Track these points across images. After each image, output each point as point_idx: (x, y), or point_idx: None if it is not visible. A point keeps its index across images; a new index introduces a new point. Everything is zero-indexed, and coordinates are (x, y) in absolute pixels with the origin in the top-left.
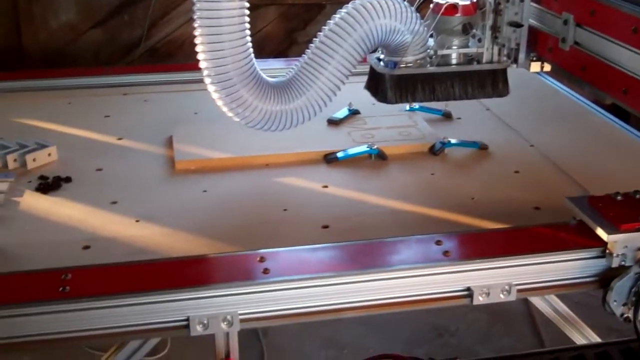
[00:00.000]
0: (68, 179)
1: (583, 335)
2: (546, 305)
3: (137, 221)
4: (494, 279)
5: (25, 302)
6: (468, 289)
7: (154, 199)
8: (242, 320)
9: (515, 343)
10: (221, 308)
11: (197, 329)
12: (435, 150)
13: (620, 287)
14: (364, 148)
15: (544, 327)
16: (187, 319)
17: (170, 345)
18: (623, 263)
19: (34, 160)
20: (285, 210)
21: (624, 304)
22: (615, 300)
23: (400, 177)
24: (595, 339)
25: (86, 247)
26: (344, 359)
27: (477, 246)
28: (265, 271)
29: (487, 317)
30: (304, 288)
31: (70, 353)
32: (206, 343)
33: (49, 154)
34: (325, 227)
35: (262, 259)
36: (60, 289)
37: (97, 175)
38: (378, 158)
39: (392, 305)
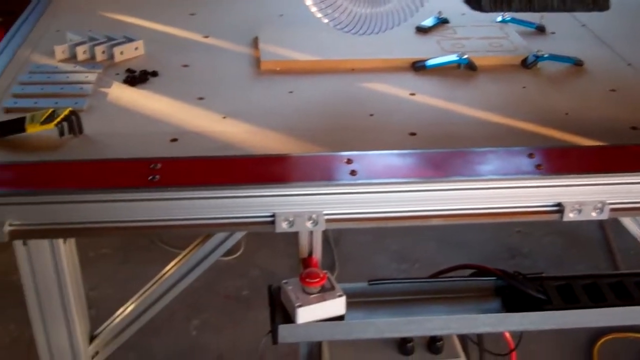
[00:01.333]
0: (155, 73)
1: None
2: (637, 228)
3: (223, 118)
4: (587, 195)
5: (115, 187)
6: (559, 204)
7: (240, 97)
8: (327, 220)
9: (589, 269)
10: (307, 207)
11: (282, 226)
12: (528, 64)
13: None
14: (453, 57)
15: (621, 254)
16: (273, 216)
17: (243, 248)
18: None
19: (122, 53)
20: (371, 115)
21: None
22: None
23: (490, 88)
24: None
25: (174, 140)
26: (414, 273)
27: (571, 161)
28: (353, 173)
29: (562, 241)
30: (390, 192)
31: (144, 247)
32: (276, 246)
33: (136, 48)
34: (413, 134)
35: (349, 161)
36: (150, 177)
37: (183, 71)
38: (467, 68)
39: (479, 215)
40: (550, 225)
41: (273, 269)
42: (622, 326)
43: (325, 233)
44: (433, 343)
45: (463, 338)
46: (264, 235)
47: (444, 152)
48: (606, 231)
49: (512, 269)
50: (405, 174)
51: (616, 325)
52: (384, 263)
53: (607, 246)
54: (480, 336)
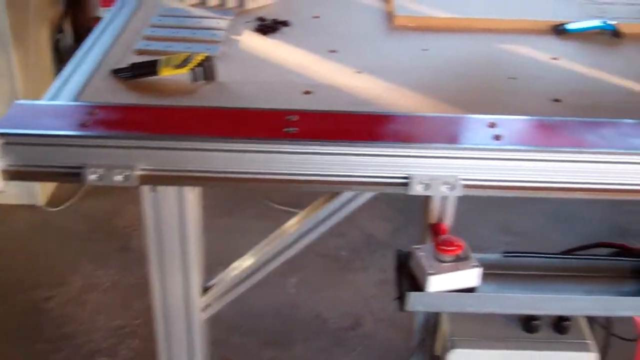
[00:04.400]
0: (286, 23)
1: None
2: None
3: (358, 72)
4: None
5: (251, 138)
6: None
7: (373, 52)
8: (465, 186)
9: None
10: (444, 170)
11: (417, 189)
12: None
13: None
14: (598, 23)
15: None
16: (408, 177)
17: None
18: None
19: (253, 0)
20: (512, 78)
21: None
22: None
23: (638, 57)
24: None
25: (307, 92)
26: (518, 246)
27: None
28: (497, 137)
29: None
30: (536, 161)
31: (248, 202)
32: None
33: None
34: (557, 100)
35: (493, 125)
36: (286, 129)
37: (315, 22)
38: (613, 35)
39: (628, 192)
40: None
41: (372, 231)
42: None
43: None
44: (560, 323)
45: (591, 320)
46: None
47: (593, 121)
48: None
49: None
50: (553, 142)
51: None
52: (488, 234)
53: None
54: (609, 319)
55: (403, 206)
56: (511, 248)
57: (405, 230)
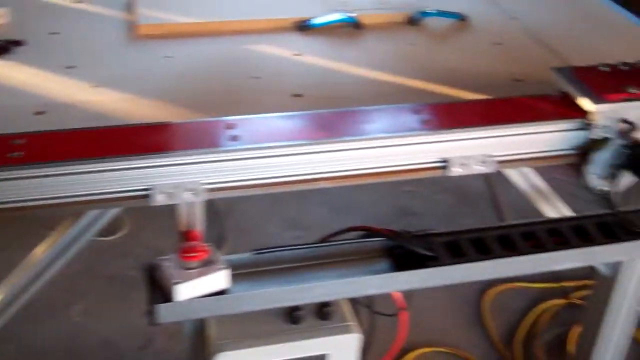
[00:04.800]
0: (20, 42)
1: (558, 213)
2: (522, 180)
3: (95, 87)
4: (472, 149)
5: None
6: (445, 160)
7: (113, 64)
8: (208, 190)
9: (478, 224)
10: (185, 177)
11: (159, 199)
12: (414, 20)
13: (600, 160)
14: (339, 16)
15: (509, 210)
16: (149, 188)
17: (130, 226)
18: (605, 135)
19: None
20: (255, 78)
21: (602, 177)
22: (593, 173)
23: (378, 46)
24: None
25: (39, 113)
26: (308, 239)
27: (456, 116)
28: (234, 138)
29: (451, 199)
30: (275, 157)
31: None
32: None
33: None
34: (298, 95)
35: (230, 126)
36: (11, 154)
37: (53, 38)
38: (354, 27)
39: (366, 176)
40: (439, 184)
41: (162, 246)
42: (507, 277)
43: (214, 204)
44: (322, 309)
45: (353, 302)
46: (149, 211)
47: (329, 112)
48: (491, 185)
49: (405, 228)
50: (290, 136)
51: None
52: (277, 231)
53: (494, 200)
54: (370, 298)
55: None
56: (300, 242)
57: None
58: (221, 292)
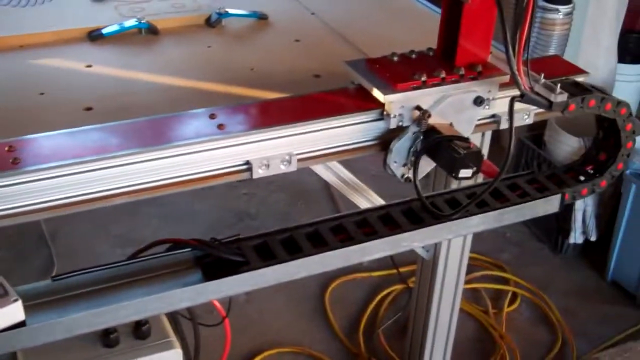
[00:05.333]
0: None
1: (370, 202)
2: (331, 174)
3: None
4: (273, 149)
5: None
6: (247, 162)
7: None
8: None
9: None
10: None
11: None
12: (212, 22)
13: (400, 148)
14: (132, 22)
15: (342, 200)
16: None
17: None
18: (401, 124)
19: None
20: (42, 94)
21: (404, 165)
22: (395, 162)
23: (174, 51)
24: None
25: None
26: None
27: (254, 117)
28: (15, 161)
29: (287, 198)
30: (64, 176)
31: None
32: None
33: None
34: (89, 109)
35: (10, 148)
36: None
37: None
38: (149, 33)
39: (167, 186)
40: (274, 183)
41: None
42: (347, 269)
43: (39, 228)
44: (138, 328)
45: (173, 316)
46: None
47: (121, 124)
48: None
49: (242, 232)
50: (79, 153)
51: (341, 268)
52: (108, 250)
53: (330, 195)
54: (190, 310)
55: (21, 242)
56: None
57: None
58: (19, 325)
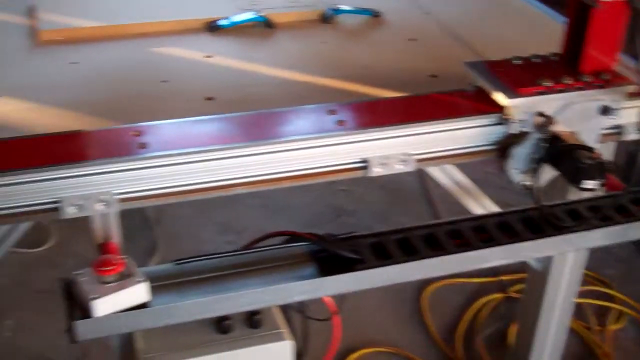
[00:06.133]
0: None
1: (484, 208)
2: (445, 177)
3: None
4: (391, 149)
5: None
6: (364, 160)
7: (15, 73)
8: (120, 200)
9: (412, 221)
10: (95, 187)
11: (70, 211)
12: (326, 18)
13: (520, 154)
14: (250, 15)
15: (442, 205)
16: (59, 201)
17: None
18: (522, 129)
19: None
20: (164, 81)
21: (523, 172)
22: (514, 168)
23: (290, 46)
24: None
25: None
26: (241, 242)
27: (373, 115)
28: (142, 146)
29: (384, 197)
30: (187, 163)
31: None
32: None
33: None
34: (210, 98)
35: (137, 133)
36: None
37: None
38: (265, 26)
39: (284, 179)
40: (373, 181)
41: (89, 255)
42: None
43: (143, 212)
44: (251, 317)
45: (284, 308)
46: (77, 220)
47: (242, 115)
48: (424, 182)
49: (338, 229)
50: (203, 142)
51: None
52: (210, 237)
53: (427, 197)
54: (302, 303)
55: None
56: (233, 246)
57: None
58: (142, 306)
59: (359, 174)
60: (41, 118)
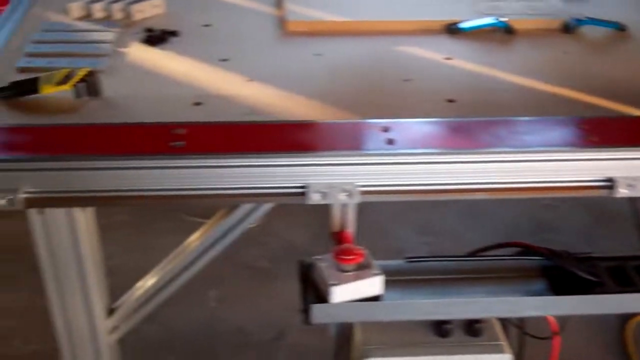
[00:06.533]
0: (175, 33)
1: None
2: None
3: (249, 81)
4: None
5: (136, 154)
6: (610, 179)
7: (265, 59)
8: (362, 193)
9: (618, 245)
10: (341, 178)
11: (314, 198)
12: (569, 28)
13: None
14: (490, 20)
15: None
16: (304, 187)
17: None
18: None
19: (140, 11)
20: (406, 80)
21: None
22: None
23: (530, 53)
24: None
25: (197, 104)
26: (438, 246)
27: (623, 133)
28: (390, 142)
29: (590, 217)
30: (431, 164)
31: (160, 214)
32: (295, 215)
33: (156, 6)
34: (451, 101)
35: (385, 129)
36: (173, 143)
37: (205, 30)
38: (505, 32)
39: (524, 190)
40: (576, 198)
41: (292, 238)
42: None
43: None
44: (472, 325)
45: (503, 320)
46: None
47: (487, 120)
48: (636, 206)
49: (538, 243)
50: (447, 144)
51: None
52: (408, 236)
53: (638, 221)
54: (522, 319)
55: (322, 211)
56: (430, 248)
57: (324, 236)
58: (375, 298)
59: (602, 193)
60: (289, 105)
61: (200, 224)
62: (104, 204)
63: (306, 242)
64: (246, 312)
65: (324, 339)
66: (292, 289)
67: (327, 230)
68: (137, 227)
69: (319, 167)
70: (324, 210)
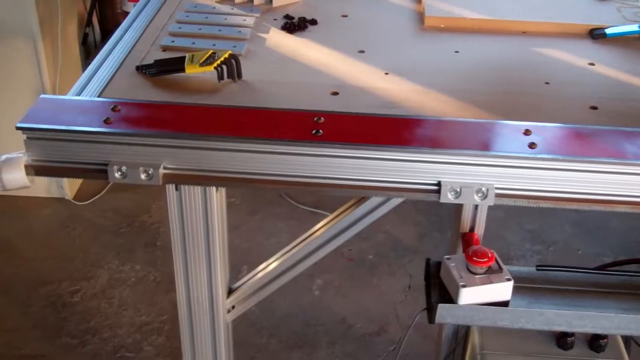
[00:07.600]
0: (314, 22)
1: None
2: None
3: (385, 74)
4: None
5: (278, 139)
6: None
7: (402, 53)
8: (497, 195)
9: None
10: (476, 178)
11: (448, 196)
12: None
13: None
14: (636, 27)
15: None
16: (438, 184)
17: None
18: None
19: None
20: (547, 83)
21: None
22: None
23: None
24: None
25: (335, 93)
26: (548, 256)
27: None
28: (532, 145)
29: None
30: (572, 171)
31: (271, 200)
32: (403, 212)
33: None
34: (594, 108)
35: (527, 132)
36: (314, 131)
37: (343, 21)
38: None
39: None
40: None
41: (399, 235)
42: None
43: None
44: (596, 340)
45: (627, 338)
46: None
47: (631, 130)
48: None
49: None
50: (589, 152)
51: None
52: (517, 242)
53: None
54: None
55: (429, 210)
56: (540, 257)
57: (431, 235)
58: (502, 303)
59: None
60: (424, 101)
61: (310, 213)
62: (240, 185)
63: (412, 240)
64: (349, 304)
65: (425, 338)
66: (396, 285)
67: (433, 230)
68: (249, 211)
69: (454, 165)
70: (431, 209)
